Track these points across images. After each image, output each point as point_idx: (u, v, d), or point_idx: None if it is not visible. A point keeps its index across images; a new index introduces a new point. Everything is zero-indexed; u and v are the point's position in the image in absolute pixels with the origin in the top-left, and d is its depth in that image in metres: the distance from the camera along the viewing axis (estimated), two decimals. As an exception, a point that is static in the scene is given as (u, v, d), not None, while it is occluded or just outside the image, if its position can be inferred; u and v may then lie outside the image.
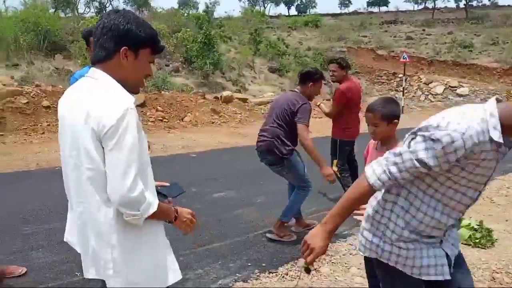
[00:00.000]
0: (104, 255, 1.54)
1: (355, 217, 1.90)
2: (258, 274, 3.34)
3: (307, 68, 4.04)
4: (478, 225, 3.92)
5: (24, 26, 13.80)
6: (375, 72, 22.58)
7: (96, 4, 40.53)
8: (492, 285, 3.17)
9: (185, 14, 23.73)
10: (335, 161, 4.50)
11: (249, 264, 3.52)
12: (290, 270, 3.40)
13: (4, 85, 9.47)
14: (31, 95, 9.61)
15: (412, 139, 1.52)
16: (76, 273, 3.17)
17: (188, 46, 16.02)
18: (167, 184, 1.86)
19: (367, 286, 2.80)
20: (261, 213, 4.74)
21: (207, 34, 15.59)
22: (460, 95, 19.10)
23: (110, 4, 40.13)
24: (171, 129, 10.39)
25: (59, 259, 3.46)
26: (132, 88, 1.65)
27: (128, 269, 1.55)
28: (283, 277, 3.30)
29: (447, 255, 1.69)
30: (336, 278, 3.25)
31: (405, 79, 18.66)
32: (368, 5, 60.73)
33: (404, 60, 17.18)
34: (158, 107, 11.23)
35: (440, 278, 1.65)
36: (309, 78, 3.87)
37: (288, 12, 63.15)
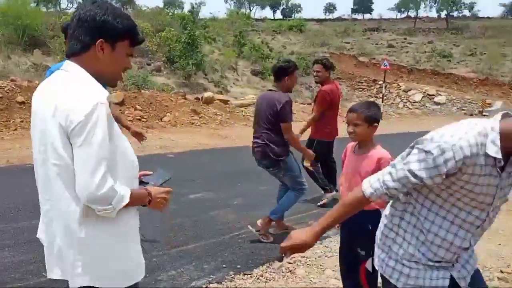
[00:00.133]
0: (72, 254, 1.48)
1: None
2: (232, 275, 3.30)
3: (279, 64, 3.98)
4: None
5: (3, 19, 13.44)
6: (356, 78, 22.87)
7: None
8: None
9: (170, 14, 23.56)
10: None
11: (224, 265, 3.47)
12: (265, 272, 3.37)
13: (-23, 78, 9.18)
14: (5, 90, 9.33)
15: (410, 152, 1.51)
16: (44, 274, 3.05)
17: (171, 46, 15.88)
18: (150, 172, 1.79)
19: (341, 289, 2.80)
20: (237, 214, 4.69)
21: (191, 34, 15.49)
22: (437, 103, 19.51)
23: None
24: (150, 128, 10.24)
25: (26, 259, 3.34)
26: (109, 81, 1.59)
27: (98, 267, 1.49)
28: (258, 278, 3.26)
29: (452, 278, 1.62)
30: (311, 280, 3.24)
31: (385, 86, 18.95)
32: (352, 12, 61.63)
33: (385, 67, 17.45)
34: (137, 106, 11.07)
35: None
36: (284, 73, 3.87)
37: (273, 15, 63.54)
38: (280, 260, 1.76)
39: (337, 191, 5.01)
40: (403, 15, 53.97)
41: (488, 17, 48.65)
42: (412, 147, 1.50)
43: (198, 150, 8.50)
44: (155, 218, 4.19)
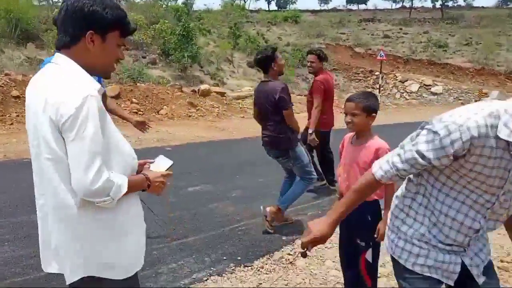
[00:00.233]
0: (70, 246, 1.48)
1: None
2: (233, 268, 3.31)
3: (258, 57, 3.91)
4: None
5: (-6, 13, 13.27)
6: (352, 69, 22.81)
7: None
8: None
9: (164, 6, 23.31)
10: None
11: (224, 258, 3.48)
12: (266, 264, 3.39)
13: (-29, 73, 9.08)
14: (0, 84, 9.25)
15: (419, 132, 1.49)
16: (44, 268, 3.07)
17: (166, 38, 15.74)
18: (152, 160, 1.79)
19: (342, 279, 2.82)
20: (236, 207, 4.70)
21: (186, 26, 15.36)
22: (434, 94, 19.52)
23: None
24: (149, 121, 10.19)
25: (25, 253, 3.34)
26: (101, 73, 1.58)
27: (96, 257, 1.49)
28: (258, 270, 3.28)
29: (463, 265, 1.59)
30: (311, 272, 3.26)
31: (382, 77, 18.93)
32: (347, 3, 61.25)
33: (381, 58, 17.41)
34: (133, 99, 11.00)
35: (444, 280, 1.60)
36: (268, 62, 3.85)
37: (268, 7, 63.09)
38: (304, 255, 1.75)
39: (335, 181, 5.02)
40: (398, 5, 53.80)
41: (482, 7, 48.57)
42: (422, 128, 1.48)
43: (196, 143, 8.48)
44: (155, 211, 4.18)
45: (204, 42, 18.71)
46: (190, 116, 11.37)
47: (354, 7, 57.74)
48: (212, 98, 12.91)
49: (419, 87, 19.93)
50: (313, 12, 43.18)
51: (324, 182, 5.33)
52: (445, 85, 20.05)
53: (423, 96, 19.40)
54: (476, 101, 18.52)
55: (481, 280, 1.59)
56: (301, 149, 3.97)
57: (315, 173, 4.05)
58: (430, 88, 19.82)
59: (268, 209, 3.98)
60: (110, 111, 3.18)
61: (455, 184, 1.50)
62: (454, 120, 1.38)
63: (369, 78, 21.86)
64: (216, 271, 3.25)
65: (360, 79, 21.99)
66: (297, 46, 23.01)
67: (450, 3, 47.73)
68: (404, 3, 52.62)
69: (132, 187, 1.52)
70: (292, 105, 3.86)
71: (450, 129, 1.37)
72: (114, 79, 11.87)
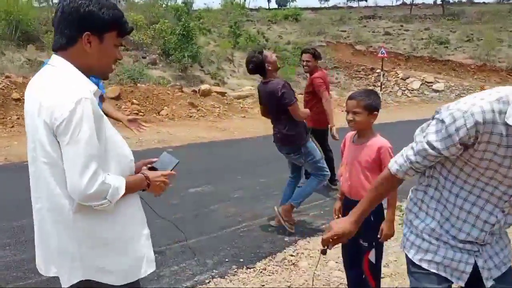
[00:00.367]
0: (68, 249, 1.46)
1: None
2: (235, 270, 3.29)
3: (250, 64, 3.87)
4: None
5: (-6, 15, 13.27)
6: (353, 67, 22.74)
7: (71, -6, 39.33)
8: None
9: (164, 5, 23.29)
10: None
11: (226, 260, 3.46)
12: (268, 265, 3.36)
13: (-29, 76, 9.08)
14: (0, 87, 9.25)
15: (430, 123, 1.45)
16: (45, 272, 3.05)
17: (166, 38, 15.72)
18: (156, 159, 1.75)
19: (345, 280, 2.79)
20: (238, 208, 4.68)
21: (186, 26, 15.32)
22: (436, 91, 19.45)
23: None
24: (147, 122, 10.13)
25: (27, 257, 3.32)
26: (99, 74, 1.57)
27: (95, 262, 1.47)
28: (261, 272, 3.26)
29: (476, 267, 1.51)
30: (314, 273, 3.23)
31: (383, 75, 18.87)
32: (347, 0, 61.17)
33: (382, 55, 17.33)
34: (134, 100, 10.98)
35: (453, 280, 1.53)
36: (261, 65, 3.82)
37: (268, 5, 63.03)
38: (324, 253, 1.74)
39: (336, 180, 4.99)
40: (399, 2, 53.66)
41: (484, 2, 48.39)
42: (433, 118, 1.44)
43: (197, 143, 8.46)
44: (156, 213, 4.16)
45: (204, 42, 18.68)
46: (191, 116, 11.35)
47: (354, 4, 57.66)
48: (213, 98, 12.88)
49: (421, 85, 19.86)
50: (314, 10, 43.08)
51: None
52: (447, 82, 19.98)
53: (425, 94, 19.32)
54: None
55: (488, 283, 1.53)
56: (313, 145, 3.96)
57: (327, 170, 4.01)
58: (432, 85, 19.74)
59: (281, 210, 3.95)
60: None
61: (468, 177, 1.45)
62: (459, 107, 1.34)
63: (370, 76, 21.80)
64: (218, 273, 3.23)
65: (361, 77, 21.93)
66: (298, 44, 22.94)
67: (450, -1, 47.66)
68: (404, 0, 52.45)
69: (131, 188, 1.50)
70: (296, 100, 3.81)
71: (455, 116, 1.33)
72: (114, 80, 11.85)
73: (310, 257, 3.49)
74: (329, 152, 5.19)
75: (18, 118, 8.68)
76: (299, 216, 4.38)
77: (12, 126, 8.51)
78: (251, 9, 40.67)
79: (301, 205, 4.26)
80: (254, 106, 13.18)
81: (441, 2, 40.04)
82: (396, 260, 3.38)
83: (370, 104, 2.44)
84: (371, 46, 24.86)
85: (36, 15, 15.02)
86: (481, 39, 24.64)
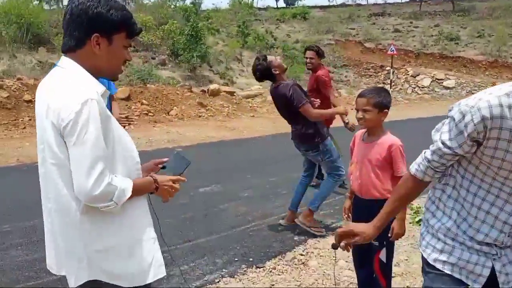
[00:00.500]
0: (76, 252, 1.47)
1: None
2: (245, 269, 3.29)
3: (257, 73, 3.86)
4: None
5: (6, 18, 13.44)
6: (362, 65, 22.59)
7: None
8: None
9: (172, 6, 23.39)
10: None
11: (236, 259, 3.46)
12: (278, 264, 3.35)
13: (-16, 78, 9.22)
14: (12, 89, 9.38)
15: (444, 121, 1.43)
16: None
17: (175, 39, 15.79)
18: (166, 159, 1.73)
19: (355, 279, 2.77)
20: (248, 207, 4.67)
21: (195, 26, 15.37)
22: (446, 88, 19.23)
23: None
24: (157, 123, 10.23)
25: (39, 257, 3.35)
26: (108, 76, 1.57)
27: (102, 264, 1.47)
28: (270, 271, 3.25)
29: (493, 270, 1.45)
30: (324, 272, 3.21)
31: (393, 72, 18.72)
32: (356, -2, 60.66)
33: (392, 52, 17.21)
34: (144, 101, 11.05)
35: (469, 283, 1.48)
36: (268, 71, 3.82)
37: (276, 4, 62.82)
38: (335, 247, 1.70)
39: (345, 184, 4.96)
40: (408, -1, 53.14)
41: (495, -2, 47.68)
42: (447, 116, 1.42)
43: (206, 143, 8.48)
44: (166, 213, 4.18)
45: (213, 42, 18.71)
46: (200, 116, 11.38)
47: (363, 1, 57.23)
48: (222, 97, 12.90)
49: (431, 82, 19.65)
50: (322, 8, 42.88)
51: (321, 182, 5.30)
52: (458, 79, 19.74)
53: (435, 91, 19.12)
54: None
55: None
56: (331, 142, 3.94)
57: (343, 169, 3.95)
58: (442, 82, 19.52)
59: (301, 218, 3.91)
60: None
61: (484, 176, 1.40)
62: (467, 103, 1.31)
63: (380, 74, 21.63)
64: (228, 273, 3.23)
65: (371, 75, 21.77)
66: (307, 43, 22.80)
67: (461, -5, 46.93)
68: (414, -4, 51.91)
69: (138, 191, 1.50)
70: (307, 101, 3.76)
71: (463, 112, 1.31)
72: (124, 81, 11.94)
73: (320, 256, 3.47)
74: None
75: (30, 120, 8.80)
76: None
77: (24, 128, 8.63)
78: (259, 8, 40.63)
79: (305, 206, 4.25)
80: (263, 105, 13.17)
81: (451, -2, 39.60)
82: (407, 259, 3.35)
83: (380, 101, 2.41)
84: (380, 44, 24.66)
85: (46, 17, 15.20)
86: (492, 35, 24.29)
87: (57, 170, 1.42)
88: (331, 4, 59.24)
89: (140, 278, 1.54)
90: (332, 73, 19.30)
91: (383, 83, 20.00)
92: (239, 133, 9.72)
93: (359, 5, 49.76)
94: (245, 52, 19.49)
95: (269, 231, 4.02)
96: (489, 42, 23.78)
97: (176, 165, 1.71)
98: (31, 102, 9.07)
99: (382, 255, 2.47)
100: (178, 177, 1.67)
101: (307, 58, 5.11)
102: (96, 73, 1.48)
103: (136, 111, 10.51)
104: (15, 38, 13.34)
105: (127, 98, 10.72)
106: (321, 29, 27.38)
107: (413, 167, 1.52)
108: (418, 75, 20.18)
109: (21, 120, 8.85)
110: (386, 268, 2.52)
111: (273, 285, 3.06)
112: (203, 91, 12.90)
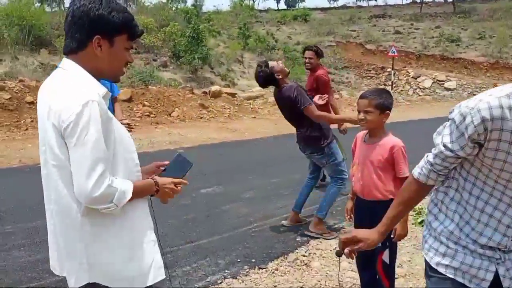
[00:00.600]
0: (76, 253, 1.47)
1: None
2: (247, 270, 3.29)
3: (260, 79, 3.88)
4: None
5: (8, 20, 13.49)
6: (363, 67, 22.60)
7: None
8: None
9: (173, 8, 23.44)
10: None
11: (238, 260, 3.46)
12: (280, 266, 3.35)
13: (-14, 80, 9.25)
14: (14, 90, 9.42)
15: (445, 124, 1.41)
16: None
17: (176, 41, 15.83)
18: (167, 162, 1.72)
19: (358, 280, 2.77)
20: (249, 208, 4.68)
21: (196, 28, 15.41)
22: (447, 89, 19.24)
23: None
24: (159, 124, 10.25)
25: (42, 258, 3.36)
26: (110, 78, 1.57)
27: (102, 266, 1.47)
28: (273, 272, 3.25)
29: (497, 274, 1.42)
30: (327, 273, 3.21)
31: (394, 74, 18.73)
32: (356, -1, 60.73)
33: (393, 54, 17.22)
34: (145, 102, 11.07)
35: (472, 286, 1.45)
36: (271, 76, 3.81)
37: (277, 6, 62.92)
38: (339, 254, 1.67)
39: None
40: (409, 0, 53.11)
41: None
42: (448, 118, 1.41)
43: (208, 144, 8.49)
44: (168, 214, 4.19)
45: (214, 44, 18.74)
46: (201, 117, 11.40)
47: (364, 3, 57.27)
48: (223, 99, 12.92)
49: (432, 83, 19.65)
50: (323, 10, 42.92)
51: (325, 182, 5.29)
52: (459, 80, 19.74)
53: (437, 92, 19.12)
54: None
55: None
56: (336, 146, 3.93)
57: (346, 173, 3.94)
58: (444, 84, 19.53)
59: (311, 227, 3.90)
60: None
61: (486, 178, 1.39)
62: (467, 104, 1.30)
63: (381, 75, 21.64)
64: (230, 274, 3.23)
65: (372, 76, 21.79)
66: (307, 44, 22.86)
67: (462, -3, 46.96)
68: (414, -2, 51.92)
69: (139, 193, 1.49)
70: (311, 102, 3.77)
71: (464, 114, 1.29)
72: (126, 83, 11.96)
73: (323, 257, 3.47)
74: None
75: (32, 121, 8.82)
76: (311, 216, 4.36)
77: (26, 129, 8.65)
78: (260, 10, 40.71)
79: (311, 206, 4.25)
80: (264, 106, 13.19)
81: (451, 0, 39.61)
82: (410, 261, 3.35)
83: (382, 103, 2.41)
84: (381, 45, 24.67)
85: (48, 19, 15.24)
86: (493, 36, 24.28)
87: (58, 171, 1.42)
88: (332, 6, 59.33)
89: (140, 280, 1.53)
90: (333, 74, 19.32)
91: (384, 84, 20.01)
92: (241, 135, 9.73)
93: (360, 7, 49.78)
94: (246, 54, 19.53)
95: (271, 232, 4.02)
96: (490, 44, 23.77)
97: (178, 167, 1.70)
98: (33, 103, 9.10)
99: (385, 256, 2.47)
100: (180, 179, 1.66)
101: (306, 58, 5.12)
102: (98, 75, 1.48)
103: (137, 112, 10.54)
104: (17, 40, 13.38)
105: (129, 100, 10.75)
106: (322, 31, 27.41)
107: (416, 171, 1.50)
108: (419, 77, 20.18)
109: (23, 122, 8.88)
110: (389, 269, 2.52)
111: (275, 286, 3.06)
112: (205, 92, 12.93)
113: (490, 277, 1.43)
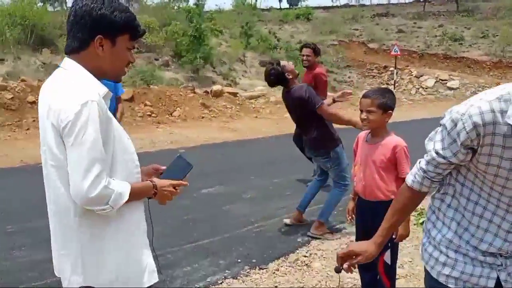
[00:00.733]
0: (72, 255, 1.46)
1: None
2: (248, 270, 3.28)
3: (271, 77, 3.85)
4: None
5: (10, 20, 13.51)
6: (366, 66, 22.53)
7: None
8: None
9: (175, 7, 23.43)
10: None
11: (239, 260, 3.45)
12: (281, 266, 3.35)
13: (-12, 80, 9.27)
14: (16, 90, 9.43)
15: (437, 130, 1.39)
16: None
17: (178, 40, 15.82)
18: (164, 167, 1.70)
19: (359, 281, 2.76)
20: (251, 208, 4.67)
21: (198, 27, 15.39)
22: (450, 88, 19.16)
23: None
24: (160, 124, 10.25)
25: (43, 258, 3.35)
26: (112, 78, 1.56)
27: (97, 269, 1.46)
28: (273, 273, 3.24)
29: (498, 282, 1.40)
30: (327, 273, 3.20)
31: (396, 73, 18.66)
32: (359, -2, 60.65)
33: (395, 53, 17.15)
34: (147, 102, 11.06)
35: None
36: (282, 76, 3.80)
37: (280, 5, 62.87)
38: (338, 271, 1.64)
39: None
40: (412, -1, 53.00)
41: (499, -2, 47.44)
42: (440, 124, 1.38)
43: (209, 144, 8.48)
44: (168, 214, 4.18)
45: (216, 43, 18.72)
46: (203, 117, 11.38)
47: (366, 2, 57.20)
48: (225, 98, 12.91)
49: (435, 82, 19.57)
50: (325, 8, 42.84)
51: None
52: (462, 80, 19.66)
53: (439, 91, 19.04)
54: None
55: None
56: (342, 150, 3.89)
57: (349, 179, 3.90)
58: (446, 83, 19.44)
59: (312, 230, 3.90)
60: None
61: (483, 184, 1.36)
62: (458, 110, 1.27)
63: (383, 74, 21.58)
64: (231, 274, 3.22)
65: (375, 75, 21.72)
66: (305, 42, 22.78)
67: (465, -5, 46.72)
68: (417, -3, 51.76)
69: (136, 195, 1.48)
70: (323, 102, 3.75)
71: (455, 120, 1.27)
72: (127, 82, 11.96)
73: (323, 258, 3.46)
74: None
75: (34, 121, 8.83)
76: (313, 217, 4.34)
77: (28, 129, 8.66)
78: (263, 9, 40.66)
79: (313, 206, 4.24)
80: (266, 106, 13.17)
81: (455, -2, 39.48)
82: (411, 261, 3.33)
83: (384, 102, 2.40)
84: (384, 44, 24.59)
85: (50, 19, 15.25)
86: (497, 35, 24.17)
87: (56, 171, 1.41)
88: (335, 4, 59.20)
89: (133, 283, 1.52)
90: (336, 73, 19.28)
91: (387, 83, 19.94)
92: (242, 134, 9.72)
93: (363, 5, 49.70)
94: (248, 53, 19.50)
95: (272, 233, 4.01)
96: (493, 43, 23.67)
97: (178, 169, 1.68)
98: (35, 103, 9.10)
99: (387, 257, 2.46)
100: (180, 181, 1.65)
101: (303, 55, 5.12)
102: (99, 75, 1.48)
103: (139, 112, 10.53)
104: (19, 40, 13.40)
105: (131, 99, 10.74)
106: (324, 30, 27.35)
107: (409, 179, 1.47)
108: (422, 76, 20.11)
109: (25, 121, 8.88)
110: (390, 270, 2.51)
111: (276, 286, 3.05)
112: (206, 92, 12.91)
113: (492, 284, 1.40)
